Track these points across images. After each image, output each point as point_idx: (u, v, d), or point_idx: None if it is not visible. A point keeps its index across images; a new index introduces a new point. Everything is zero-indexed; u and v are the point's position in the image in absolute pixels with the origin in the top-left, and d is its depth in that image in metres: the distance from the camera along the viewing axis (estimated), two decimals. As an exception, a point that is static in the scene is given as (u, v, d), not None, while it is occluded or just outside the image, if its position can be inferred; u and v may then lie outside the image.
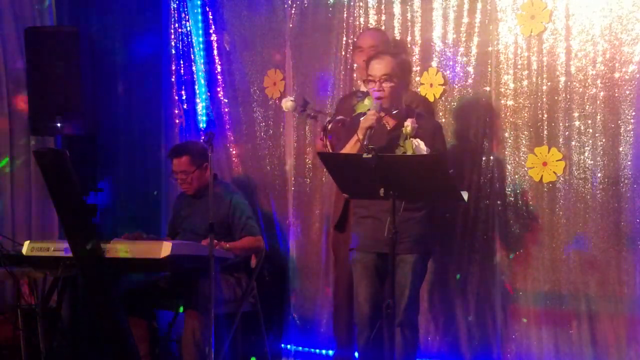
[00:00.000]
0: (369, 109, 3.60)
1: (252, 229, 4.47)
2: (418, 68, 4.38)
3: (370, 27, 4.50)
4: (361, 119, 3.58)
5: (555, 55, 4.03)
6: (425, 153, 3.47)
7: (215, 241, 3.91)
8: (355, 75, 4.56)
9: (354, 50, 4.36)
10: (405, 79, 3.70)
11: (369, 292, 3.68)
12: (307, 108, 4.10)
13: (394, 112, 3.64)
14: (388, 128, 3.66)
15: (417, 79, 4.36)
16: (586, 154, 3.96)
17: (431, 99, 4.31)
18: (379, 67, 3.61)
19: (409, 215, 3.56)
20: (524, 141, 4.11)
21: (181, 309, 4.39)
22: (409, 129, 3.52)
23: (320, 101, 4.61)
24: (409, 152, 3.50)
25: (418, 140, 3.52)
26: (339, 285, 4.38)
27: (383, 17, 4.50)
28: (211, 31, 5.15)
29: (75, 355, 4.82)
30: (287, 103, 4.15)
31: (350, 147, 3.64)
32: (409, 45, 4.41)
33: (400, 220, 3.50)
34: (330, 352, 4.54)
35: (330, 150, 3.94)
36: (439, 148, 3.62)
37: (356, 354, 4.38)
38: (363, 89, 4.26)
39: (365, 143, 3.45)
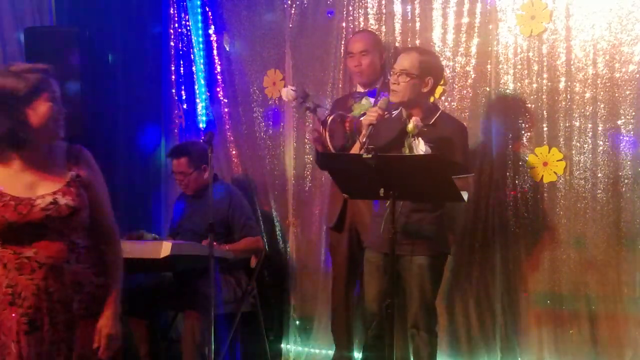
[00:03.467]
0: (370, 107, 3.58)
1: (251, 230, 4.47)
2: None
3: (360, 30, 4.50)
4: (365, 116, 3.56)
5: (555, 56, 4.03)
6: (421, 153, 3.42)
7: (215, 243, 3.91)
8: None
9: (345, 55, 4.34)
10: (424, 79, 3.55)
11: (377, 291, 3.66)
12: (307, 100, 4.07)
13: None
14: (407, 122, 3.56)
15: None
16: (586, 154, 3.96)
17: (431, 99, 4.31)
18: (400, 62, 3.57)
19: (421, 216, 3.54)
20: (524, 141, 4.11)
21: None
22: (410, 126, 3.45)
23: (320, 101, 4.61)
24: (407, 151, 3.49)
25: (419, 139, 3.47)
26: (336, 286, 4.38)
27: (383, 17, 4.50)
28: (211, 31, 5.15)
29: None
30: (289, 92, 4.12)
31: (356, 146, 3.63)
32: (409, 45, 4.41)
33: (413, 222, 3.51)
34: (330, 352, 4.54)
35: (329, 144, 3.94)
36: (447, 151, 3.46)
37: (355, 354, 4.39)
38: (360, 89, 4.26)
39: (364, 140, 3.42)
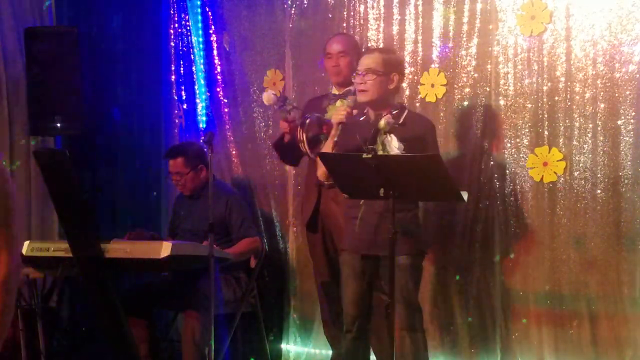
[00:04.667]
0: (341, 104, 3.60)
1: (249, 230, 4.47)
2: (418, 69, 4.38)
3: (338, 33, 4.50)
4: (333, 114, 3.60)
5: (555, 56, 4.03)
6: (397, 150, 3.45)
7: (216, 246, 3.91)
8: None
9: (324, 56, 4.36)
10: (389, 75, 3.61)
11: (354, 293, 3.68)
12: (286, 104, 4.08)
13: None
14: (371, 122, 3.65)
15: (417, 79, 4.38)
16: (586, 154, 3.95)
17: (432, 100, 4.31)
18: (364, 62, 3.61)
19: (399, 216, 3.55)
20: (524, 141, 4.11)
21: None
22: (382, 123, 3.49)
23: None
24: (380, 148, 3.51)
25: (392, 136, 3.50)
26: (320, 288, 4.37)
27: (382, 18, 4.50)
28: (211, 31, 5.16)
29: (75, 355, 4.82)
30: (269, 96, 4.16)
31: (327, 143, 3.64)
32: (409, 45, 4.41)
33: (384, 221, 3.51)
34: (330, 352, 4.54)
35: (306, 146, 3.95)
36: (427, 144, 3.55)
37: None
38: (335, 92, 4.26)
39: (336, 140, 3.48)
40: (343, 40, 4.28)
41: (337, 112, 3.55)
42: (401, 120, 3.57)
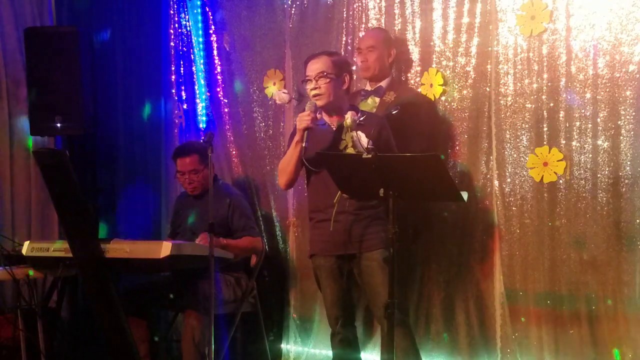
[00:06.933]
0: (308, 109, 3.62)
1: (251, 230, 4.47)
2: (419, 68, 4.39)
3: (372, 27, 4.51)
4: (296, 120, 3.62)
5: (555, 56, 4.03)
6: (366, 146, 3.52)
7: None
8: (354, 75, 4.55)
9: (355, 51, 4.38)
10: (342, 77, 3.69)
11: (336, 295, 3.72)
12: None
13: (361, 118, 3.65)
14: (333, 129, 3.70)
15: (418, 79, 4.38)
16: (587, 154, 3.95)
17: (431, 99, 4.31)
18: (314, 67, 3.66)
19: (365, 213, 3.62)
20: (524, 141, 4.11)
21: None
22: (348, 121, 3.54)
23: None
24: (350, 145, 3.57)
25: (360, 132, 3.56)
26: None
27: (383, 18, 4.51)
28: (211, 31, 5.16)
29: (75, 355, 4.82)
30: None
31: (291, 150, 3.65)
32: (409, 45, 4.41)
33: (360, 219, 3.59)
34: (330, 352, 4.53)
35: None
36: (386, 139, 3.66)
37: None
38: (367, 88, 4.26)
39: (304, 145, 3.53)
40: (374, 35, 4.29)
41: (301, 119, 3.57)
42: (360, 120, 3.64)
